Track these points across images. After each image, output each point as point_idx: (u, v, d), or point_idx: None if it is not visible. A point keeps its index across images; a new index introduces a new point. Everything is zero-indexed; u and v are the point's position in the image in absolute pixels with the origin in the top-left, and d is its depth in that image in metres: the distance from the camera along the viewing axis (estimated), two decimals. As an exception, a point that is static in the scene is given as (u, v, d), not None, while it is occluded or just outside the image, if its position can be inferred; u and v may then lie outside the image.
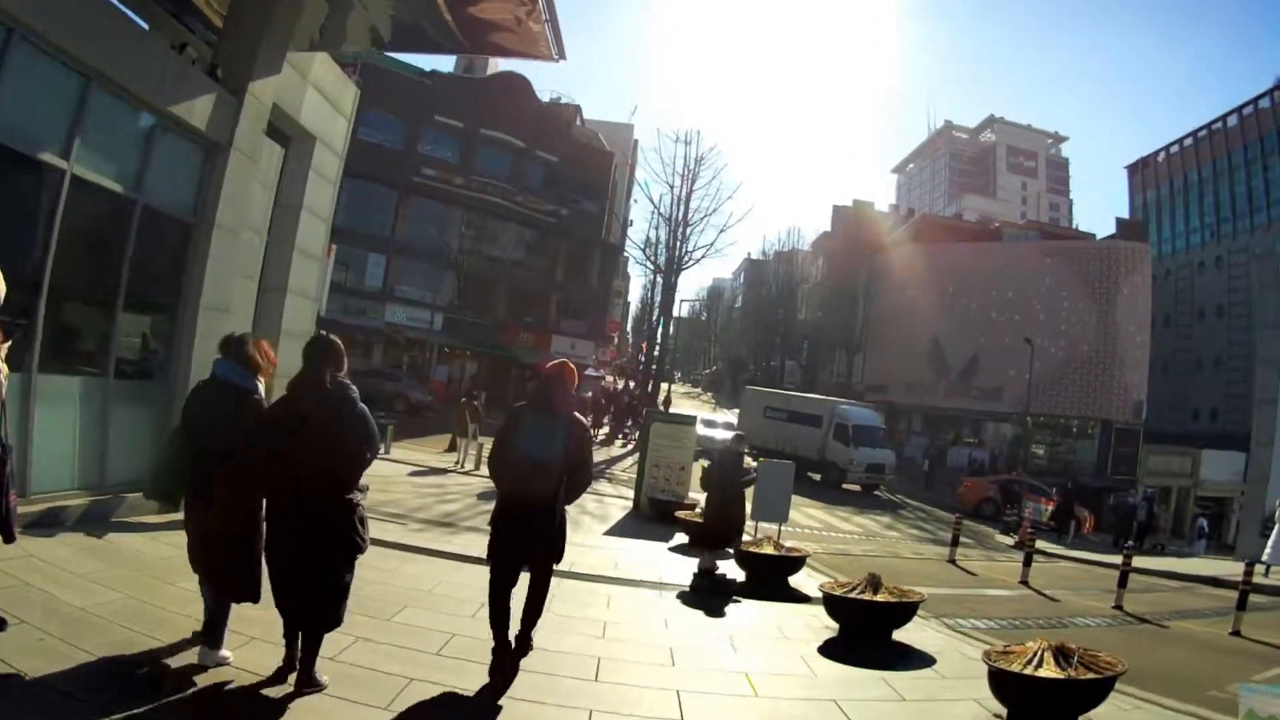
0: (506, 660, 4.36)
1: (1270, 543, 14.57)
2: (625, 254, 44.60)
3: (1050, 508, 21.58)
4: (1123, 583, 10.28)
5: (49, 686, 3.32)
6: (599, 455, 20.00)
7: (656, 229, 34.38)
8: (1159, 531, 24.30)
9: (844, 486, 23.82)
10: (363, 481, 3.91)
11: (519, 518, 4.35)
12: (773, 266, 65.71)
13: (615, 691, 4.38)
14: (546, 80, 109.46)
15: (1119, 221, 46.98)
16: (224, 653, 3.84)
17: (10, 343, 3.66)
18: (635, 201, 47.28)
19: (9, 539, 3.55)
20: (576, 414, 4.54)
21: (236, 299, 7.97)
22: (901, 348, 43.56)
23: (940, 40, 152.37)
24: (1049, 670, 4.46)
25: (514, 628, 4.47)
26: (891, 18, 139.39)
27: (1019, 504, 21.45)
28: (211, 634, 3.82)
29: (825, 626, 6.48)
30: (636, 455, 15.46)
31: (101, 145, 6.18)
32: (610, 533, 10.71)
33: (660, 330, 36.42)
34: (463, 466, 15.55)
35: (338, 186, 10.38)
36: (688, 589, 7.51)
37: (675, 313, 38.92)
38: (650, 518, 11.87)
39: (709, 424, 26.86)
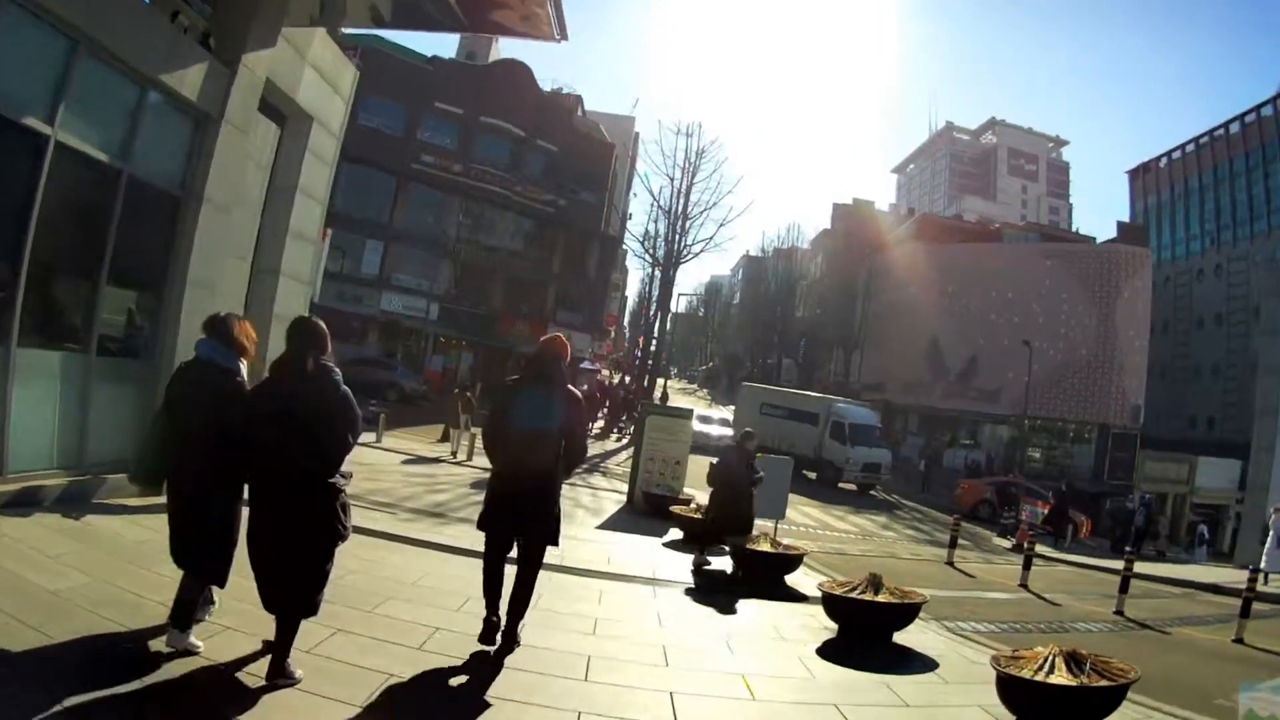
0: (495, 632, 4.35)
1: (1266, 550, 14.50)
2: (624, 247, 44.41)
3: (1045, 510, 21.45)
4: (1124, 588, 10.15)
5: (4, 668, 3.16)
6: (593, 450, 19.83)
7: (655, 222, 34.16)
8: (1158, 538, 24.19)
9: (840, 485, 23.70)
10: (346, 469, 3.78)
11: (515, 492, 4.36)
12: (772, 263, 65.38)
13: (606, 692, 4.20)
14: (548, 69, 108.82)
15: (1120, 225, 46.89)
16: (193, 640, 3.67)
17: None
18: (635, 195, 47.13)
19: None
20: (570, 386, 4.55)
21: (227, 278, 7.78)
22: (900, 347, 43.49)
23: (941, 41, 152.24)
24: (1060, 677, 4.29)
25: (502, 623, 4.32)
26: (892, 17, 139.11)
27: (1016, 506, 21.31)
28: (181, 616, 3.64)
29: (824, 627, 6.32)
30: (631, 450, 15.28)
31: (87, 112, 5.94)
32: (603, 526, 10.52)
33: (657, 325, 36.22)
34: (456, 457, 15.38)
35: (334, 169, 10.17)
36: (682, 585, 7.34)
37: (673, 308, 38.79)
38: (645, 512, 11.68)
39: (704, 420, 26.72)
